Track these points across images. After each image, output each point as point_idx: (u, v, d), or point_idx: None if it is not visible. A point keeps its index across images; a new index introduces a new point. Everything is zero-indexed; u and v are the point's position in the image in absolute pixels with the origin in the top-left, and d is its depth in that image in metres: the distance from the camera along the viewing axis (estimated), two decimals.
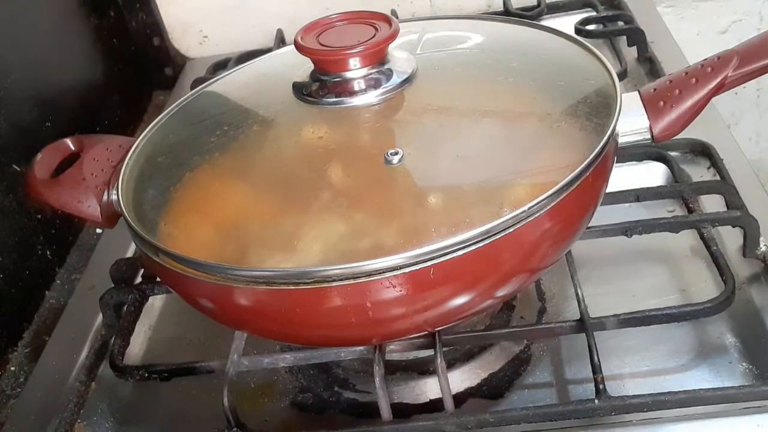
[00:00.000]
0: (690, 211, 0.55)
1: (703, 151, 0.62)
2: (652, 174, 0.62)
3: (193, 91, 0.58)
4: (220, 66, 0.85)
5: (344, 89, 0.48)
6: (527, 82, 0.50)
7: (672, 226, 0.53)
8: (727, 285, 0.48)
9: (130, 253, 0.63)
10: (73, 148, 0.52)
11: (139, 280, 0.59)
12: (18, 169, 0.61)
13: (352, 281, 0.39)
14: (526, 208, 0.39)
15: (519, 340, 0.50)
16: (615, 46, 0.77)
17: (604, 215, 0.50)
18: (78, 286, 0.63)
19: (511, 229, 0.39)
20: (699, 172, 0.61)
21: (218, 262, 0.41)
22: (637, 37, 0.78)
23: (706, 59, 0.47)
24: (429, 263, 0.38)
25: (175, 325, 0.58)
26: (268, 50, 0.67)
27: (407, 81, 0.49)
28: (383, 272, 0.38)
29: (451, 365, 0.49)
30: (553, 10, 0.87)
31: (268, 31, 0.89)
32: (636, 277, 0.54)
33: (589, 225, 0.48)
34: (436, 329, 0.45)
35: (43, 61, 0.70)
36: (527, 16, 0.83)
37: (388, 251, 0.38)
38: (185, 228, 0.45)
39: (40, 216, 0.64)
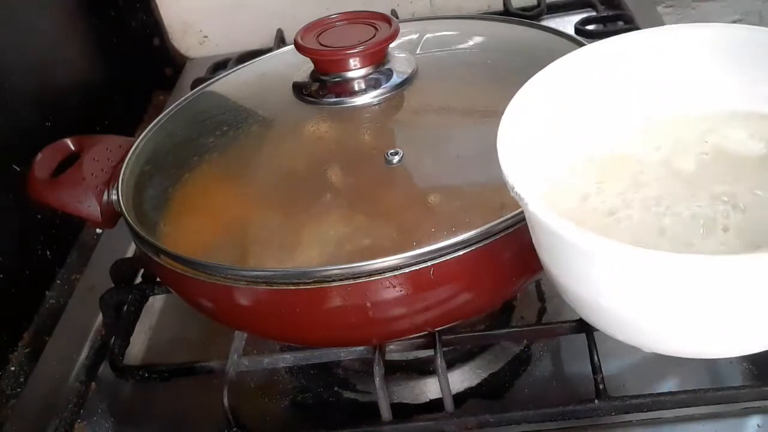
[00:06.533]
0: None
1: None
2: None
3: (193, 91, 0.58)
4: (220, 66, 0.85)
5: (344, 89, 0.48)
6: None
7: None
8: None
9: (130, 253, 0.63)
10: (73, 148, 0.52)
11: (139, 280, 0.59)
12: (18, 169, 0.61)
13: (352, 281, 0.39)
14: None
15: (519, 340, 0.50)
16: None
17: None
18: (78, 286, 0.63)
19: (510, 230, 0.39)
20: None
21: (218, 262, 0.41)
22: None
23: None
24: (429, 263, 0.38)
25: (175, 325, 0.58)
26: (268, 50, 0.67)
27: (407, 81, 0.49)
28: (383, 272, 0.38)
29: (451, 365, 0.49)
30: (553, 10, 0.87)
31: (268, 31, 0.88)
32: None
33: None
34: (436, 329, 0.45)
35: (43, 61, 0.70)
36: (527, 16, 0.83)
37: (388, 251, 0.38)
38: (185, 228, 0.45)
39: (40, 216, 0.63)
